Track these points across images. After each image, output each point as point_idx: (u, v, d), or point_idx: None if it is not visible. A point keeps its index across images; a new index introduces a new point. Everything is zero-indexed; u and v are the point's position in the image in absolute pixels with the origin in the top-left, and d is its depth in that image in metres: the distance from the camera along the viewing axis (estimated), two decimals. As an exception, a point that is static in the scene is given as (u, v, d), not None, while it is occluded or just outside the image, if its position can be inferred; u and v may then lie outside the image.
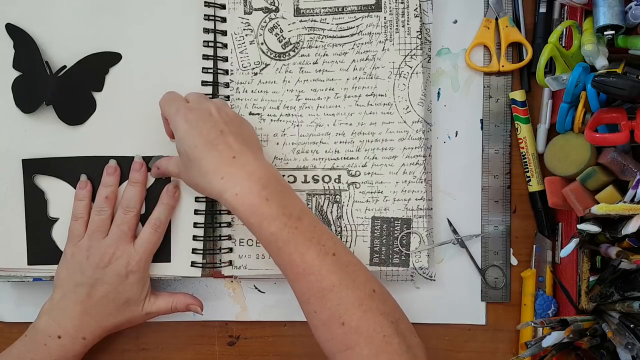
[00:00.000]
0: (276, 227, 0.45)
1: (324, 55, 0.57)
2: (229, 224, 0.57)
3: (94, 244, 0.53)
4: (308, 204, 0.56)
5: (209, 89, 0.57)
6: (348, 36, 0.57)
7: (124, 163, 0.56)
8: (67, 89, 0.57)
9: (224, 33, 0.57)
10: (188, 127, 0.48)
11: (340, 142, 0.56)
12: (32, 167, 0.56)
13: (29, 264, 0.56)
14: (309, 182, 0.57)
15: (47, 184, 0.57)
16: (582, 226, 0.48)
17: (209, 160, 0.47)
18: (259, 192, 0.46)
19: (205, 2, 0.57)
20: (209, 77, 0.57)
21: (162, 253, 0.56)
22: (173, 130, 0.50)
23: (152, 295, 0.55)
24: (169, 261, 0.56)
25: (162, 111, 0.52)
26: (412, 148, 0.56)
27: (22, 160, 0.57)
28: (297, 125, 0.57)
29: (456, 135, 0.58)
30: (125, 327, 0.55)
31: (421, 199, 0.56)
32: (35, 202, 0.56)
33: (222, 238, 0.57)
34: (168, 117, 0.51)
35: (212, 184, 0.47)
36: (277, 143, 0.57)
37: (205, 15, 0.57)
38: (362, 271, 0.47)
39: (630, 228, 0.45)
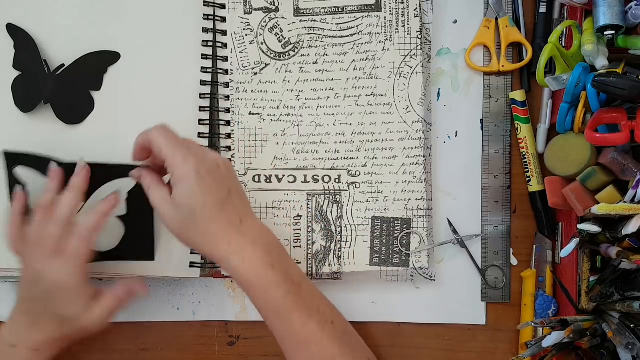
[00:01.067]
0: (281, 294, 0.45)
1: (324, 55, 0.57)
2: (229, 224, 0.56)
3: (26, 258, 0.51)
4: (308, 204, 0.56)
5: (207, 89, 0.57)
6: (348, 36, 0.57)
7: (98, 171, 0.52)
8: (65, 87, 0.57)
9: (224, 33, 0.57)
10: (200, 183, 0.45)
11: (340, 142, 0.56)
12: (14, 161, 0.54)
13: None
14: (309, 182, 0.57)
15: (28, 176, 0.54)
16: (582, 226, 0.48)
17: (218, 223, 0.45)
18: (264, 258, 0.45)
19: (204, 1, 0.57)
20: (208, 77, 0.57)
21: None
22: (175, 179, 0.45)
23: (93, 302, 0.50)
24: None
25: (160, 148, 0.46)
26: (412, 148, 0.56)
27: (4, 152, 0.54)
28: (297, 125, 0.57)
29: (456, 135, 0.58)
30: (84, 336, 0.52)
31: (421, 199, 0.56)
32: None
33: (222, 238, 0.56)
34: (172, 161, 0.45)
35: (217, 248, 0.45)
36: (277, 143, 0.57)
37: (204, 15, 0.57)
38: (356, 339, 0.48)
39: (630, 228, 0.45)
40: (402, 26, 0.56)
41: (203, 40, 0.57)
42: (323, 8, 0.57)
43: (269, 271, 0.45)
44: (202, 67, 0.57)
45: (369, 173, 0.56)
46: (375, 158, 0.56)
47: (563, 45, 0.53)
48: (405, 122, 0.56)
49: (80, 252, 0.49)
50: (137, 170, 0.50)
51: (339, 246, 0.56)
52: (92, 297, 0.50)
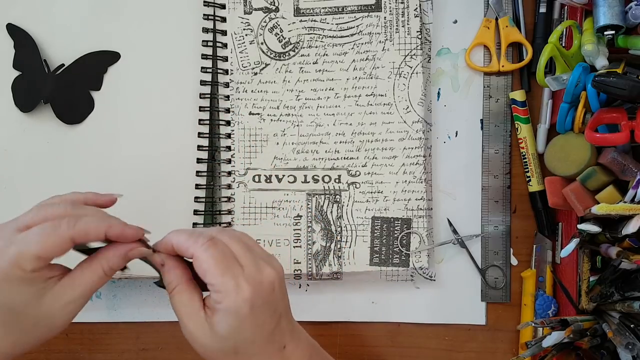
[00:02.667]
0: None
1: (324, 55, 0.57)
2: (229, 224, 0.56)
3: None
4: (308, 204, 0.56)
5: (207, 89, 0.57)
6: (348, 36, 0.57)
7: None
8: (65, 87, 0.57)
9: (224, 33, 0.57)
10: (252, 318, 0.37)
11: (340, 142, 0.56)
12: None
13: None
14: (309, 182, 0.57)
15: None
16: (583, 226, 0.48)
17: (262, 357, 0.39)
18: None
19: (204, 1, 0.57)
20: (208, 77, 0.57)
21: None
22: (222, 307, 0.37)
23: (59, 284, 0.37)
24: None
25: (204, 270, 0.37)
26: (412, 148, 0.56)
27: None
28: (297, 125, 0.57)
29: (456, 135, 0.58)
30: (44, 338, 0.38)
31: (421, 199, 0.56)
32: None
33: (222, 238, 0.56)
34: (222, 288, 0.37)
35: None
36: (277, 143, 0.57)
37: (204, 15, 0.57)
38: None
39: (630, 228, 0.45)
40: (402, 26, 0.56)
41: (203, 40, 0.57)
42: (323, 8, 0.57)
43: None
44: (202, 67, 0.57)
45: (369, 173, 0.56)
46: (375, 158, 0.56)
47: (563, 45, 0.53)
48: (405, 122, 0.56)
49: (46, 235, 0.35)
50: (159, 256, 0.40)
51: (339, 246, 0.56)
52: (49, 277, 0.37)
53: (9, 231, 0.36)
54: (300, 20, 0.57)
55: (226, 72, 0.57)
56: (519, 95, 0.56)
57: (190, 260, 0.39)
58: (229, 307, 0.37)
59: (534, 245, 0.56)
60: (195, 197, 0.56)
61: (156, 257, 0.39)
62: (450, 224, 0.57)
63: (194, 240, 0.38)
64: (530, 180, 0.56)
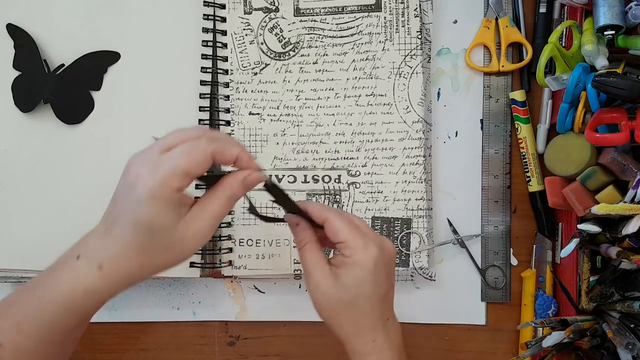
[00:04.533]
0: None
1: (324, 55, 0.57)
2: (229, 224, 0.56)
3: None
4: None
5: (207, 89, 0.57)
6: (348, 36, 0.57)
7: None
8: (65, 87, 0.57)
9: (224, 33, 0.57)
10: (375, 274, 0.42)
11: (340, 142, 0.56)
12: None
13: None
14: (309, 182, 0.57)
15: None
16: (583, 226, 0.48)
17: (372, 318, 0.43)
18: None
19: (204, 1, 0.57)
20: (208, 77, 0.57)
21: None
22: (351, 260, 0.41)
23: (192, 210, 0.39)
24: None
25: (336, 231, 0.41)
26: (412, 148, 0.56)
27: None
28: (297, 125, 0.57)
29: (456, 135, 0.58)
30: (168, 264, 0.39)
31: (421, 199, 0.56)
32: None
33: (222, 238, 0.56)
34: (352, 243, 0.41)
35: (360, 341, 0.43)
36: (277, 143, 0.57)
37: (204, 15, 0.57)
38: None
39: (630, 228, 0.45)
40: (402, 26, 0.56)
41: (203, 40, 0.57)
42: (323, 8, 0.57)
43: None
44: (202, 67, 0.57)
45: (369, 173, 0.56)
46: (375, 158, 0.56)
47: (563, 45, 0.53)
48: (405, 122, 0.56)
49: (188, 162, 0.37)
50: (296, 217, 0.44)
51: (339, 246, 0.56)
52: (184, 204, 0.38)
53: (154, 154, 0.38)
54: (300, 20, 0.57)
55: (226, 72, 0.57)
56: (519, 95, 0.56)
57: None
58: (358, 260, 0.41)
59: (534, 245, 0.56)
60: (195, 197, 0.56)
61: (293, 218, 0.44)
62: (450, 224, 0.57)
63: (327, 208, 0.43)
64: (530, 180, 0.56)
